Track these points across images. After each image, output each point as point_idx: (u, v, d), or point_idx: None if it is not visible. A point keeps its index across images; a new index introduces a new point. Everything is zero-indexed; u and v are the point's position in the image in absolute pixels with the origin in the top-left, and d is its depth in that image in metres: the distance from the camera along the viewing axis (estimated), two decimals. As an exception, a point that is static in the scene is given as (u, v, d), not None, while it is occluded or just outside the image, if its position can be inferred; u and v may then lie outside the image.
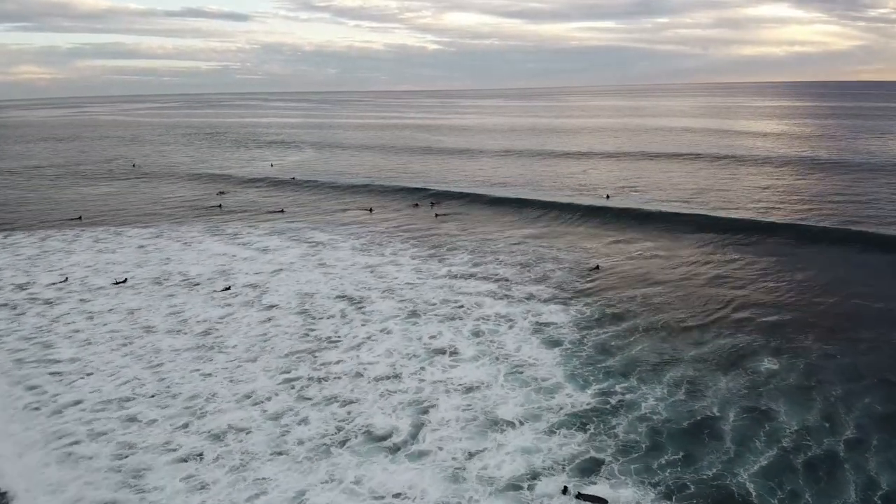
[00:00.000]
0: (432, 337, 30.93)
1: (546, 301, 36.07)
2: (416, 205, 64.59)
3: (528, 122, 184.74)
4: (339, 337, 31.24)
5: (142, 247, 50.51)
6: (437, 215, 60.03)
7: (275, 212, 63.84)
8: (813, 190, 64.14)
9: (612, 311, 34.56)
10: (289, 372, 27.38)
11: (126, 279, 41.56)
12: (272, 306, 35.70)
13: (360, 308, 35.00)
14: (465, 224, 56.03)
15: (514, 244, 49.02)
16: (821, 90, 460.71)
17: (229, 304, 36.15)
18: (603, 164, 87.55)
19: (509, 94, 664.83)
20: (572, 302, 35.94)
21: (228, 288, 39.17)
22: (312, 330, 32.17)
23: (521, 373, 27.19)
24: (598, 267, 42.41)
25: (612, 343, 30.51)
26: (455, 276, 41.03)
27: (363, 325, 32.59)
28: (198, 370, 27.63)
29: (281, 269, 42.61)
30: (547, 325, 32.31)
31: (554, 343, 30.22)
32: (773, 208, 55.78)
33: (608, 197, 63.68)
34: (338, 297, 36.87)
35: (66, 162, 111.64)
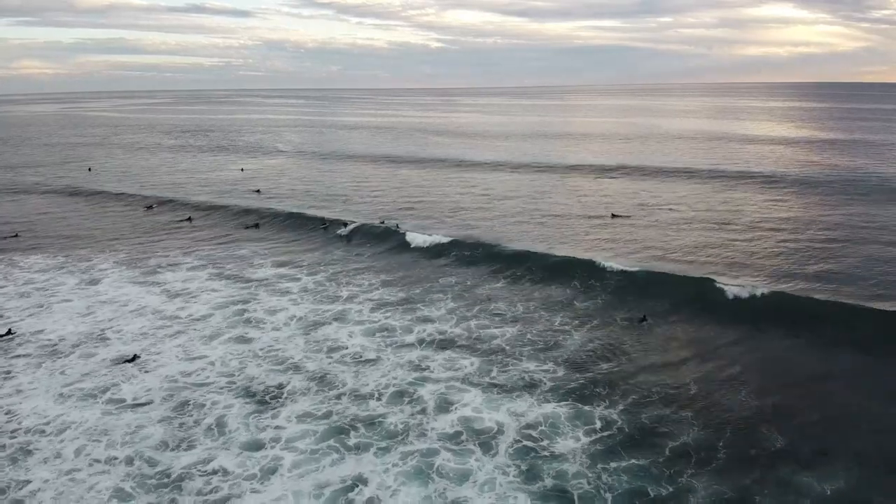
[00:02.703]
0: (347, 489, 18.83)
1: (551, 394, 24.35)
2: (397, 226, 52.49)
3: (530, 124, 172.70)
4: (193, 483, 19.28)
5: (27, 284, 38.95)
6: (405, 231, 48.29)
7: (250, 226, 54.19)
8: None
9: (648, 418, 22.83)
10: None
11: (10, 331, 30.44)
12: (131, 406, 23.73)
13: (257, 412, 23.06)
14: (455, 255, 43.27)
15: (517, 286, 37.17)
16: (832, 91, 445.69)
17: (66, 398, 24.34)
18: (614, 178, 74.87)
19: (512, 92, 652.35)
20: (590, 396, 24.19)
21: (136, 357, 27.70)
22: (160, 462, 20.22)
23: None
24: (644, 319, 31.00)
25: (650, 492, 18.78)
26: (427, 343, 29.39)
27: (239, 454, 20.53)
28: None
29: (180, 332, 30.79)
30: (547, 457, 20.48)
31: (554, 498, 18.45)
32: (851, 271, 36.71)
33: (613, 216, 52.38)
34: (236, 389, 24.93)
35: (24, 164, 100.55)
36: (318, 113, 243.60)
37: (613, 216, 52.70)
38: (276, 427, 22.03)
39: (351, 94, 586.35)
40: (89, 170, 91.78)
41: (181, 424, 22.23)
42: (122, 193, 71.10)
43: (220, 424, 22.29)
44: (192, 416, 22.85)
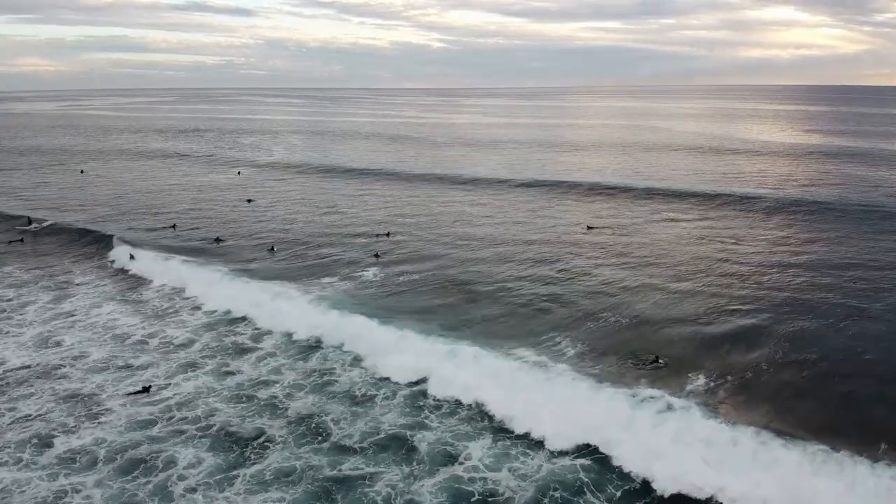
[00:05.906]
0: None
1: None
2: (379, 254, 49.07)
3: (530, 128, 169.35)
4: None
5: (-6, 303, 35.67)
6: (381, 255, 44.80)
7: (267, 249, 45.75)
8: None
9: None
10: None
11: None
12: (64, 465, 19.86)
13: (214, 474, 19.48)
14: (457, 294, 35.64)
15: (519, 305, 33.50)
16: (840, 94, 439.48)
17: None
18: (623, 196, 66.19)
19: (514, 93, 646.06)
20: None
21: (147, 389, 24.59)
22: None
23: None
24: (657, 360, 26.51)
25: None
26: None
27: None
28: None
29: (150, 364, 27.41)
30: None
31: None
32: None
33: (589, 228, 49.28)
34: (197, 442, 21.25)
35: (14, 167, 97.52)
36: (319, 113, 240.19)
37: (589, 228, 49.64)
38: (229, 501, 18.44)
39: (353, 94, 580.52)
40: (81, 172, 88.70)
41: (120, 492, 18.66)
42: (108, 198, 67.94)
43: (164, 494, 18.65)
44: (135, 480, 19.27)
